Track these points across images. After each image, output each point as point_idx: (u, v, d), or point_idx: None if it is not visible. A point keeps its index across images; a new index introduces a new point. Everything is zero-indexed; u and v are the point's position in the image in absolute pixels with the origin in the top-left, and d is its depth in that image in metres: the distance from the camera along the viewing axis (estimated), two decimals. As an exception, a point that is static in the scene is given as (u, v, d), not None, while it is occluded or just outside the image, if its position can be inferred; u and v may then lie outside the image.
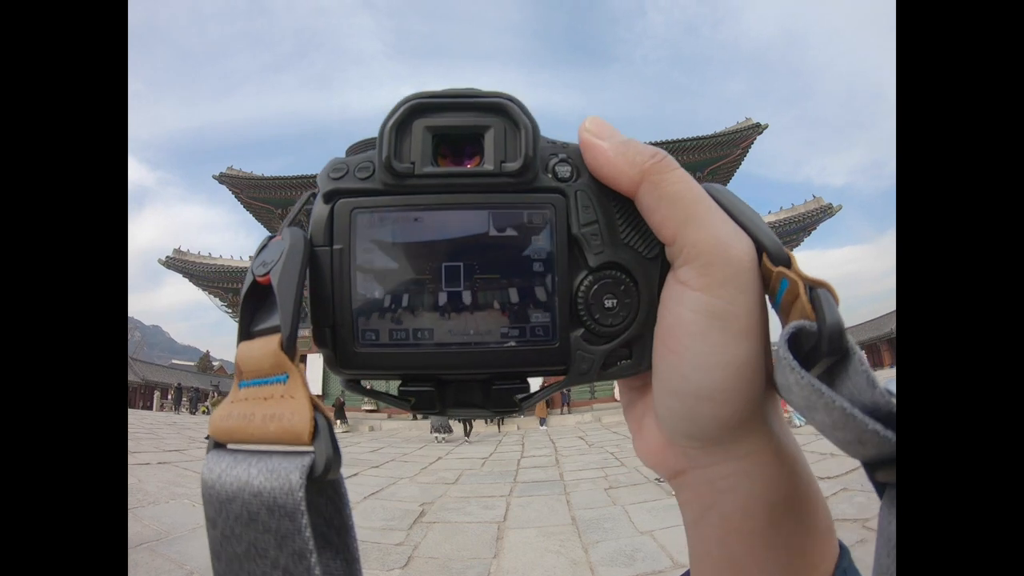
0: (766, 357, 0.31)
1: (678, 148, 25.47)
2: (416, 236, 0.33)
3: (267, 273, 0.31)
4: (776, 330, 0.32)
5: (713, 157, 26.69)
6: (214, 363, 78.74)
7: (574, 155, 0.34)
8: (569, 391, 21.56)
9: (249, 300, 0.33)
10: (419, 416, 21.89)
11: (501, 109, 0.33)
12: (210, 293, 27.82)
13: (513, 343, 0.33)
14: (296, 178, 26.68)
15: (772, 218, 24.42)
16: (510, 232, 0.33)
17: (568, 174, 0.34)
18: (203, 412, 15.99)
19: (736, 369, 0.30)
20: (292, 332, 0.29)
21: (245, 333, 0.33)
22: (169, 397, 33.68)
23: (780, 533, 0.33)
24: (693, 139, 25.48)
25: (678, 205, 0.30)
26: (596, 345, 0.34)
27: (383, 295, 0.32)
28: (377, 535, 5.92)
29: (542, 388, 0.36)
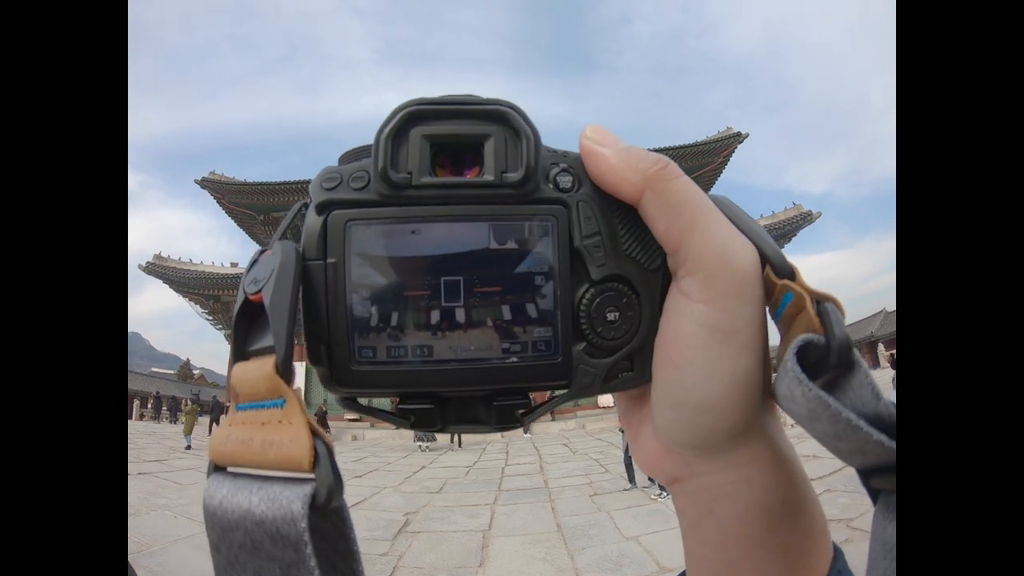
0: (765, 366, 0.31)
1: None
2: (414, 250, 0.32)
3: (259, 291, 0.30)
4: (774, 339, 0.32)
5: (694, 166, 26.95)
6: (195, 371, 77.58)
7: (575, 164, 0.33)
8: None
9: (242, 319, 0.31)
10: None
11: (501, 117, 0.32)
12: (191, 300, 27.40)
13: (515, 359, 0.32)
14: (279, 184, 26.38)
15: (753, 225, 24.77)
16: (511, 245, 0.32)
17: (569, 184, 0.33)
18: (182, 422, 15.64)
19: (737, 381, 0.30)
20: (287, 355, 0.28)
21: (240, 353, 0.31)
22: (148, 406, 33.04)
23: (777, 537, 0.33)
24: (674, 148, 25.73)
25: (683, 213, 0.30)
26: (598, 359, 0.33)
27: (380, 311, 0.31)
28: (361, 545, 5.82)
29: (544, 402, 0.35)
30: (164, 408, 27.02)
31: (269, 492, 0.28)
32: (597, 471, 10.59)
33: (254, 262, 0.32)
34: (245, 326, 0.31)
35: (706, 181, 29.13)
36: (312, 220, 0.32)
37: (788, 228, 24.14)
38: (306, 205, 0.33)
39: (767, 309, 0.31)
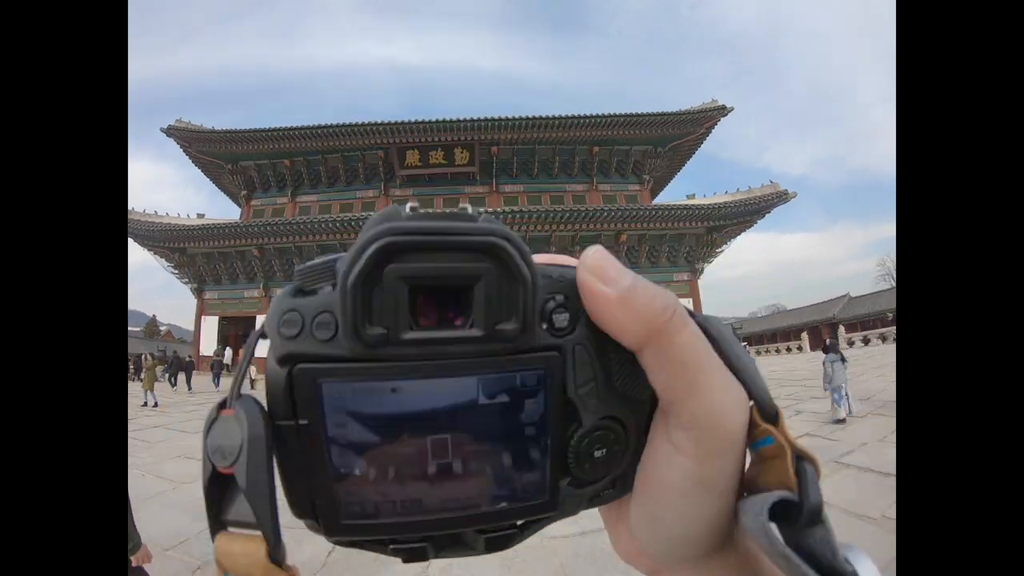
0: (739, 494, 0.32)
1: (642, 122, 25.48)
2: (396, 408, 0.29)
3: (230, 466, 0.28)
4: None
5: (676, 134, 26.64)
6: (161, 327, 75.50)
7: (571, 295, 0.30)
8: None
9: (213, 488, 0.29)
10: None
11: (494, 251, 0.27)
12: (156, 254, 26.32)
13: (504, 504, 0.31)
14: (248, 132, 25.34)
15: (729, 198, 24.91)
16: (501, 398, 0.30)
17: (565, 323, 0.30)
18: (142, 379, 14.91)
19: (714, 521, 0.30)
20: (276, 540, 0.27)
21: (218, 523, 0.29)
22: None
23: None
24: (657, 114, 25.43)
25: (684, 372, 0.29)
26: (584, 487, 0.32)
27: (364, 469, 0.29)
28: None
29: (529, 525, 0.34)
30: (131, 366, 26.37)
31: None
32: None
33: (212, 421, 0.29)
34: (218, 495, 0.29)
35: (686, 150, 28.92)
36: (275, 375, 0.28)
37: (763, 204, 24.22)
38: (263, 336, 0.29)
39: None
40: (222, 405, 0.29)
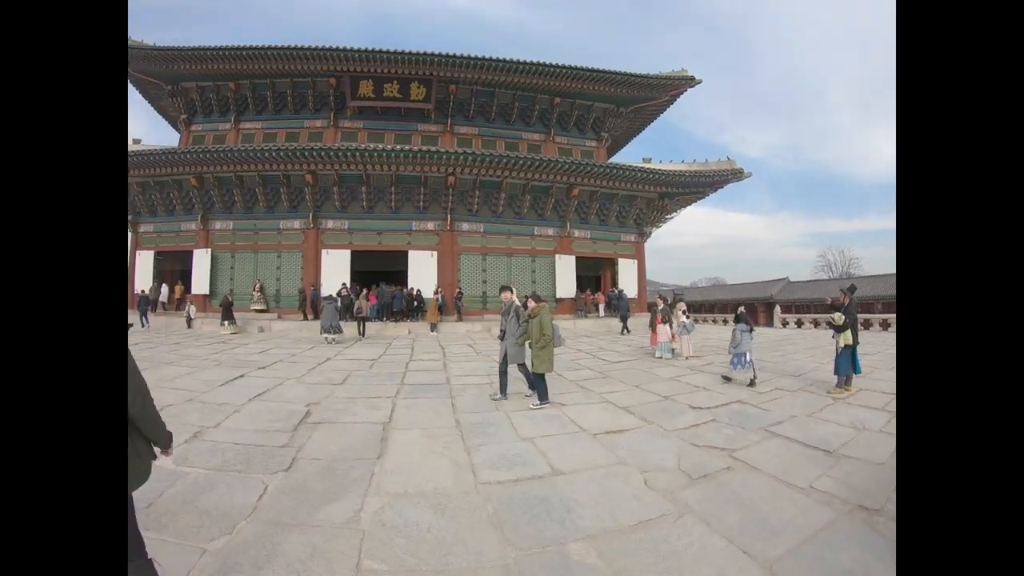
0: None
1: (609, 80, 25.29)
2: None
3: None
4: None
5: (640, 96, 26.68)
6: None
7: None
8: (461, 300, 21.40)
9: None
10: (309, 317, 21.44)
11: None
12: None
13: None
14: (191, 49, 23.42)
15: (684, 167, 25.21)
16: None
17: None
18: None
19: None
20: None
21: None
22: None
23: None
24: (625, 74, 25.23)
25: None
26: None
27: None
28: (261, 437, 5.89)
29: None
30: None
31: None
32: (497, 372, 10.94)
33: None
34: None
35: (648, 115, 29.03)
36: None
37: (717, 178, 24.71)
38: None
39: None
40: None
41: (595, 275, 29.65)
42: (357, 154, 20.98)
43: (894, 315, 23.56)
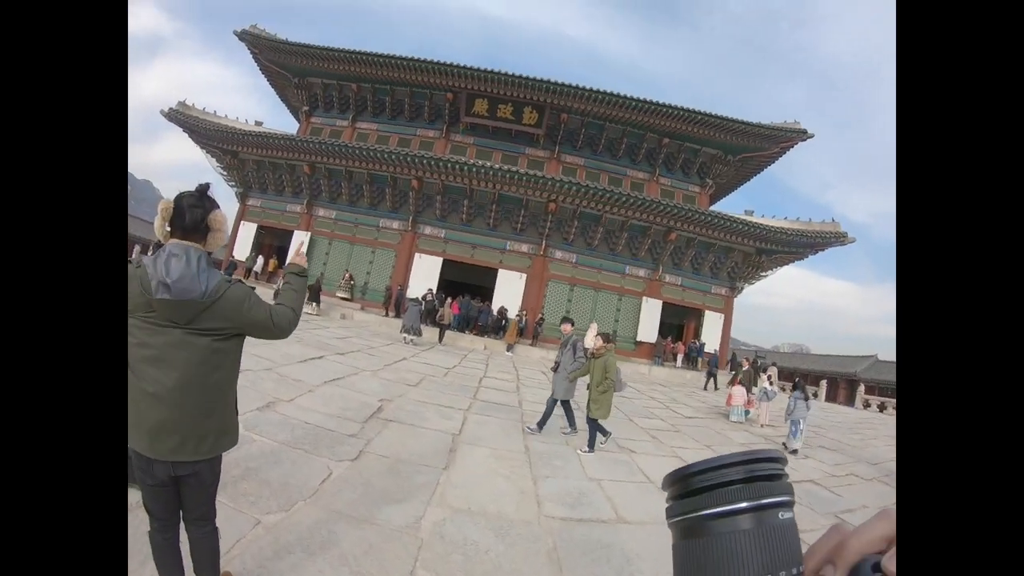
0: None
1: (719, 126, 24.83)
2: None
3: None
4: None
5: (749, 146, 25.90)
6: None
7: None
8: (541, 326, 21.20)
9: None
10: (391, 314, 22.02)
11: None
12: (208, 152, 26.93)
13: None
14: (320, 48, 25.26)
15: (787, 224, 24.17)
16: None
17: None
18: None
19: None
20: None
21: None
22: (150, 253, 33.15)
23: None
24: (737, 121, 24.61)
25: None
26: None
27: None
28: (332, 422, 5.94)
29: None
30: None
31: None
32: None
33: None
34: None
35: (755, 165, 28.17)
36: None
37: (819, 240, 23.25)
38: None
39: None
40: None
41: (678, 323, 28.72)
42: (466, 168, 21.50)
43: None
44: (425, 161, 21.73)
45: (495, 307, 22.78)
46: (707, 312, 25.91)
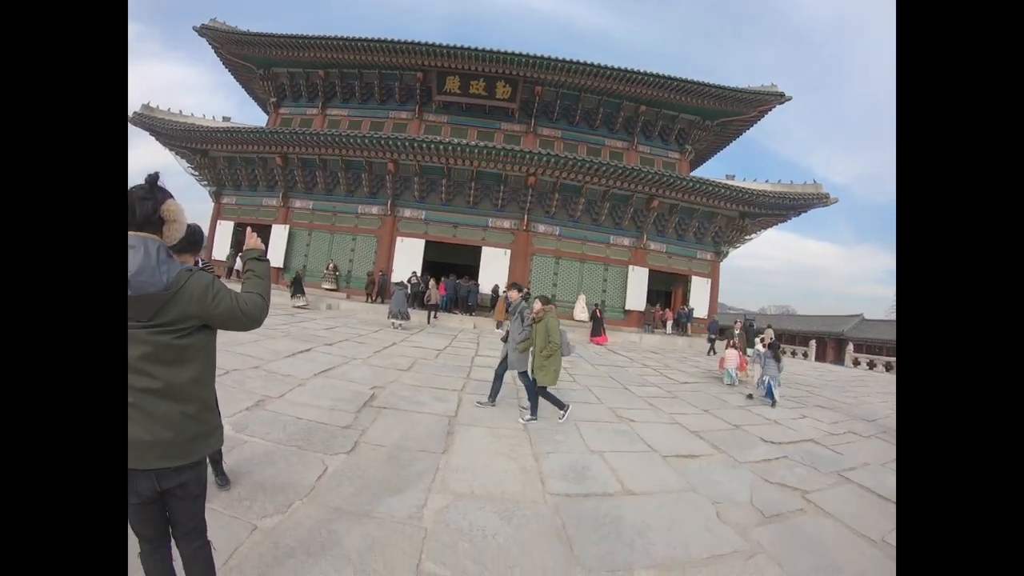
0: None
1: (696, 91, 24.55)
2: None
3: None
4: None
5: (728, 110, 25.69)
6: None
7: None
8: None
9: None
10: (376, 300, 21.76)
11: None
12: (177, 154, 26.23)
13: None
14: (283, 37, 24.57)
15: (769, 187, 24.03)
16: None
17: None
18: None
19: None
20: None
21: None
22: None
23: None
24: (714, 86, 24.39)
25: None
26: None
27: None
28: (324, 415, 5.77)
29: None
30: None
31: None
32: (564, 379, 10.62)
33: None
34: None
35: (733, 130, 27.99)
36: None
37: (802, 201, 23.16)
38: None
39: None
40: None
41: (666, 290, 28.75)
42: (441, 147, 21.09)
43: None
44: (399, 143, 21.28)
45: (486, 286, 22.60)
46: (694, 277, 25.93)
